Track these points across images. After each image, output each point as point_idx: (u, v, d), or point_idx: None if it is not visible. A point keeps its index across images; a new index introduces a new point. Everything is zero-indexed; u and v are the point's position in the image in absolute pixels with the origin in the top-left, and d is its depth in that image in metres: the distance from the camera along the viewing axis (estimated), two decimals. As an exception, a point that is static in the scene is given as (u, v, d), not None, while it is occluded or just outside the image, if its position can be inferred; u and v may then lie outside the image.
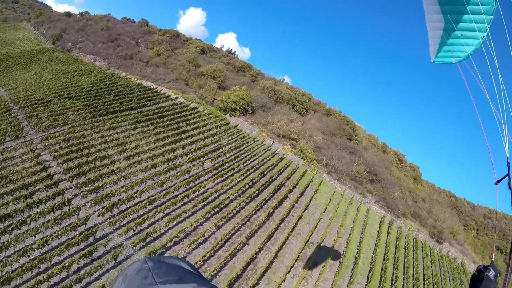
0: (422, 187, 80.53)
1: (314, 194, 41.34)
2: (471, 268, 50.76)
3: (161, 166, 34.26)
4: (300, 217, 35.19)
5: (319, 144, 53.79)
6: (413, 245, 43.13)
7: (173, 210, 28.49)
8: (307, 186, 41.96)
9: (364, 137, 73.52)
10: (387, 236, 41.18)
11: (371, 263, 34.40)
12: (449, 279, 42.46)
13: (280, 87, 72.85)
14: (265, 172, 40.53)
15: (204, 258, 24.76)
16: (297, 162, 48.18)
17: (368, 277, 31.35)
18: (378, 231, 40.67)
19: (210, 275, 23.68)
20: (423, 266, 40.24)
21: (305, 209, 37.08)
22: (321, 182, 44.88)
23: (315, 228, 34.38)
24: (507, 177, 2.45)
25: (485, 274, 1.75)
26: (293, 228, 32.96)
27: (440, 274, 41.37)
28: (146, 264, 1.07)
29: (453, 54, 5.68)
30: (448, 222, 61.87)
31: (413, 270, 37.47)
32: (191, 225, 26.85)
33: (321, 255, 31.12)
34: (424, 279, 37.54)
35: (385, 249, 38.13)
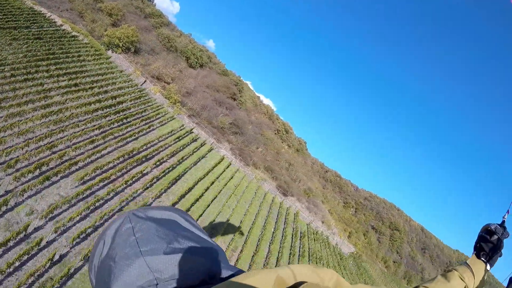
0: (300, 158, 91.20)
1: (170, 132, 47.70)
2: (304, 219, 60.97)
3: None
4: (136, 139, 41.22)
5: (191, 91, 59.78)
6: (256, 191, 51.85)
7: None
8: (159, 121, 48.15)
9: (251, 101, 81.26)
10: (224, 173, 49.18)
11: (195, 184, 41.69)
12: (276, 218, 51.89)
13: (181, 39, 77.31)
14: (117, 98, 45.82)
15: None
16: (161, 102, 53.86)
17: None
18: (213, 167, 48.08)
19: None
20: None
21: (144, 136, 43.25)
22: (175, 119, 51.16)
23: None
24: None
25: (497, 237, 1.58)
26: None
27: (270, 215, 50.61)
28: (130, 223, 0.90)
29: None
30: (308, 184, 72.37)
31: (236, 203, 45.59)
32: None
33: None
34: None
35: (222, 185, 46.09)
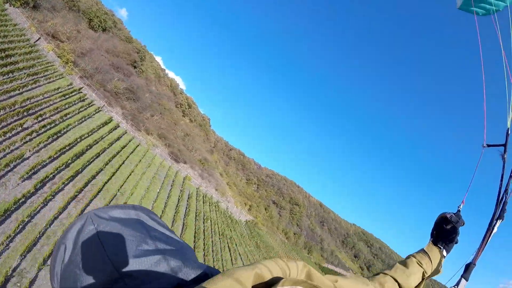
0: (202, 133, 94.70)
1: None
2: (195, 184, 64.54)
3: None
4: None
5: (86, 53, 59.24)
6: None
7: None
8: (46, 78, 47.67)
9: (153, 72, 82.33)
10: (111, 134, 50.35)
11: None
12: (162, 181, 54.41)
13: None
14: (5, 51, 44.54)
15: None
16: (53, 59, 52.98)
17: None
18: (99, 127, 49.09)
19: None
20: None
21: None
22: (64, 78, 50.95)
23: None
24: (503, 146, 2.30)
25: (452, 224, 1.67)
26: None
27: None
28: (92, 224, 0.83)
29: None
30: (204, 155, 76.21)
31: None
32: None
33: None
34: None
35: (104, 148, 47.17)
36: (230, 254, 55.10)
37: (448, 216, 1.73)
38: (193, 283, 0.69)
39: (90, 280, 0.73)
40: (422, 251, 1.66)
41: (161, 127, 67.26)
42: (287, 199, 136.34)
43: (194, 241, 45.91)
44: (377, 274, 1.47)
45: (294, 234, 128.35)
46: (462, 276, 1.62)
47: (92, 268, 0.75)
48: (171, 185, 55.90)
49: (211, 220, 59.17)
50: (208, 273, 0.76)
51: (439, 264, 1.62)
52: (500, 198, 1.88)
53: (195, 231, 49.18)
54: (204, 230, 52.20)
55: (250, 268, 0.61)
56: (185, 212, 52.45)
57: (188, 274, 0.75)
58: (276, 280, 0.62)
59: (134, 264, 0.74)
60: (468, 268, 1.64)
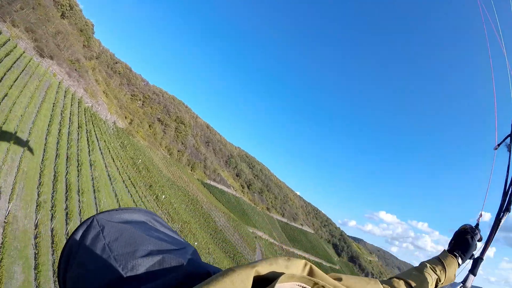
0: (82, 38, 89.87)
1: None
2: (58, 79, 61.99)
3: None
4: None
5: None
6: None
7: None
8: None
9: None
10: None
11: None
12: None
13: None
14: None
15: None
16: None
17: None
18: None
19: None
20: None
21: None
22: None
23: None
24: (509, 137, 2.33)
25: (470, 236, 1.76)
26: None
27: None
28: (97, 227, 0.86)
29: None
30: (77, 56, 73.75)
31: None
32: None
33: None
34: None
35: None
36: (88, 145, 53.31)
37: (468, 227, 1.83)
38: (194, 282, 0.68)
39: (96, 281, 0.76)
40: (437, 258, 1.71)
41: (31, 21, 62.36)
42: (173, 117, 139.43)
43: (48, 130, 43.68)
44: (390, 278, 1.53)
45: (178, 151, 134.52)
46: (469, 271, 1.68)
47: (98, 269, 0.78)
48: (30, 76, 51.62)
49: (71, 113, 56.54)
50: (211, 272, 0.79)
51: (453, 272, 1.68)
52: (507, 189, 1.93)
53: (50, 120, 46.84)
54: (61, 121, 50.09)
55: (250, 267, 0.63)
56: (41, 101, 49.38)
57: (191, 273, 0.78)
58: (275, 276, 0.64)
59: (138, 264, 0.77)
60: (476, 263, 1.71)
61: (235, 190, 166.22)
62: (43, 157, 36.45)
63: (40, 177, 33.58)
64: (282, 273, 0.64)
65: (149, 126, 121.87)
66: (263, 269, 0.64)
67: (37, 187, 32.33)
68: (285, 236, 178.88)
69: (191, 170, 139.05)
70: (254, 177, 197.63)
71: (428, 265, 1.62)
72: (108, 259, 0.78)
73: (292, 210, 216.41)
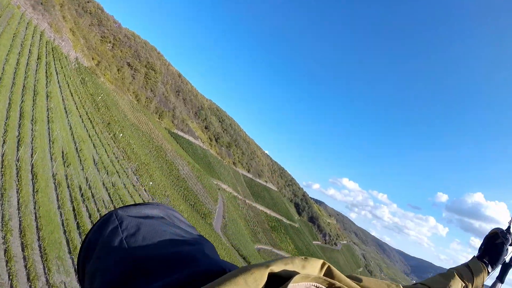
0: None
1: None
2: (22, 11, 60.10)
3: None
4: None
5: None
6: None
7: None
8: None
9: None
10: None
11: None
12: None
13: None
14: None
15: None
16: None
17: None
18: None
19: None
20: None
21: None
22: None
23: None
24: None
25: (501, 241, 1.56)
26: None
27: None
28: (115, 222, 0.89)
29: None
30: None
31: None
32: None
33: None
34: None
35: None
36: (46, 76, 51.99)
37: (499, 231, 1.70)
38: (208, 279, 0.70)
39: (111, 274, 0.78)
40: (466, 265, 1.60)
41: None
42: (144, 63, 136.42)
43: (6, 59, 42.98)
44: (415, 284, 1.47)
45: (146, 98, 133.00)
46: (497, 278, 1.59)
47: (114, 263, 0.79)
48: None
49: (31, 44, 54.91)
50: (226, 270, 0.77)
51: (482, 280, 1.55)
52: None
53: (8, 50, 45.79)
54: (20, 51, 48.87)
55: (265, 266, 0.61)
56: (1, 32, 47.65)
57: (205, 270, 0.76)
58: (289, 275, 0.63)
59: (154, 259, 0.78)
60: (505, 269, 1.61)
61: (203, 142, 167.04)
62: (-2, 85, 36.64)
63: (-7, 105, 34.16)
64: (296, 273, 0.63)
65: (118, 70, 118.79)
66: (278, 268, 0.63)
67: (-10, 116, 33.02)
68: (249, 191, 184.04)
69: (159, 118, 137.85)
70: (223, 131, 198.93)
71: (455, 272, 1.54)
72: (124, 253, 0.80)
73: (258, 167, 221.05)
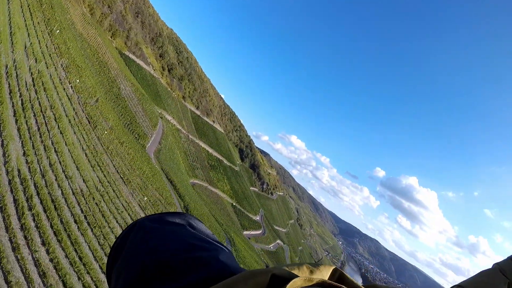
0: None
1: None
2: None
3: None
4: None
5: None
6: None
7: None
8: None
9: None
10: None
11: None
12: None
13: None
14: None
15: None
16: None
17: None
18: None
19: None
20: None
21: None
22: None
23: None
24: None
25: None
26: None
27: None
28: (141, 230, 1.05)
29: None
30: None
31: None
32: None
33: None
34: None
35: None
36: None
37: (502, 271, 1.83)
38: (219, 281, 0.78)
39: (131, 274, 0.90)
40: (510, 258, 1.38)
41: None
42: None
43: None
44: (452, 287, 1.65)
45: (102, 14, 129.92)
46: None
47: (134, 264, 0.92)
48: None
49: None
50: (238, 274, 0.98)
51: None
52: None
53: None
54: None
55: (269, 270, 0.65)
56: None
57: (218, 273, 0.84)
58: (291, 277, 0.66)
59: (170, 262, 0.89)
60: None
61: (154, 70, 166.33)
62: None
63: None
64: (296, 276, 0.66)
65: None
66: (282, 272, 0.66)
67: None
68: (194, 127, 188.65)
69: (111, 37, 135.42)
70: (178, 63, 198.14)
71: (498, 268, 1.34)
72: (144, 256, 0.93)
73: (208, 106, 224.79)
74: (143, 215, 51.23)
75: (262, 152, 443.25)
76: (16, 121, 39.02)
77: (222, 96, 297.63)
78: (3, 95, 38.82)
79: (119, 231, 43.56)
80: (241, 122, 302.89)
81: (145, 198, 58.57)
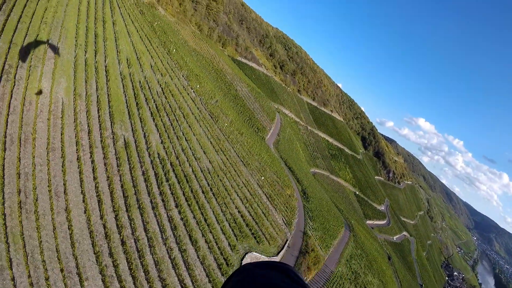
0: None
1: None
2: None
3: None
4: None
5: None
6: None
7: None
8: None
9: None
10: None
11: None
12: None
13: None
14: None
15: None
16: None
17: None
18: None
19: None
20: None
21: None
22: None
23: None
24: None
25: None
26: None
27: None
28: (243, 272, 1.29)
29: None
30: None
31: None
32: None
33: None
34: None
35: None
36: (111, 10, 65.08)
37: None
38: None
39: None
40: None
41: None
42: None
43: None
44: None
45: (209, 28, 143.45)
46: None
47: None
48: None
49: None
50: None
51: None
52: None
53: None
54: None
55: None
56: None
57: None
58: None
59: None
60: None
61: (267, 69, 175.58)
62: (77, 19, 53.05)
63: (76, 31, 50.44)
64: None
65: (179, 4, 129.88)
66: None
67: (74, 37, 48.83)
68: (312, 118, 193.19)
69: (222, 47, 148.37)
70: (289, 59, 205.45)
71: None
72: None
73: (325, 96, 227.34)
74: (260, 192, 57.96)
75: (387, 139, 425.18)
76: (154, 119, 49.20)
77: (339, 85, 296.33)
78: (141, 101, 49.46)
79: (239, 202, 51.82)
80: (362, 109, 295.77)
81: (262, 178, 65.34)
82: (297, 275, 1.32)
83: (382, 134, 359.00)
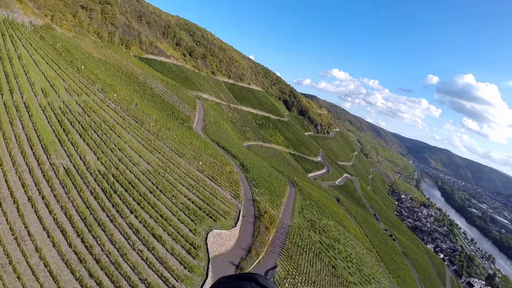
0: None
1: None
2: None
3: None
4: None
5: None
6: None
7: None
8: None
9: None
10: None
11: None
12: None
13: None
14: None
15: None
16: None
17: None
18: None
19: None
20: None
21: None
22: None
23: None
24: None
25: None
26: None
27: None
28: (219, 285, 1.41)
29: None
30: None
31: None
32: None
33: None
34: None
35: None
36: (13, 44, 68.47)
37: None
38: None
39: None
40: None
41: None
42: (97, 0, 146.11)
43: None
44: None
45: (109, 33, 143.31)
46: None
47: None
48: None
49: None
50: None
51: None
52: None
53: None
54: None
55: None
56: None
57: None
58: None
59: None
60: None
61: (176, 60, 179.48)
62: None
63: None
64: None
65: (73, 16, 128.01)
66: None
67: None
68: (232, 95, 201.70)
69: (126, 48, 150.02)
70: (196, 44, 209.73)
71: None
72: None
73: (239, 71, 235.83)
74: (202, 176, 66.18)
75: (307, 96, 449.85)
76: (84, 139, 54.60)
77: (251, 57, 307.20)
78: (67, 127, 54.65)
79: (186, 191, 59.00)
80: (278, 74, 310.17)
81: (200, 163, 73.47)
82: (265, 281, 1.56)
83: (302, 93, 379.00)
